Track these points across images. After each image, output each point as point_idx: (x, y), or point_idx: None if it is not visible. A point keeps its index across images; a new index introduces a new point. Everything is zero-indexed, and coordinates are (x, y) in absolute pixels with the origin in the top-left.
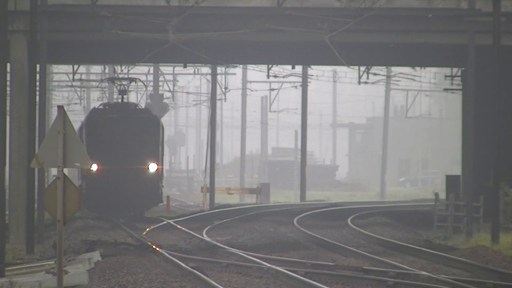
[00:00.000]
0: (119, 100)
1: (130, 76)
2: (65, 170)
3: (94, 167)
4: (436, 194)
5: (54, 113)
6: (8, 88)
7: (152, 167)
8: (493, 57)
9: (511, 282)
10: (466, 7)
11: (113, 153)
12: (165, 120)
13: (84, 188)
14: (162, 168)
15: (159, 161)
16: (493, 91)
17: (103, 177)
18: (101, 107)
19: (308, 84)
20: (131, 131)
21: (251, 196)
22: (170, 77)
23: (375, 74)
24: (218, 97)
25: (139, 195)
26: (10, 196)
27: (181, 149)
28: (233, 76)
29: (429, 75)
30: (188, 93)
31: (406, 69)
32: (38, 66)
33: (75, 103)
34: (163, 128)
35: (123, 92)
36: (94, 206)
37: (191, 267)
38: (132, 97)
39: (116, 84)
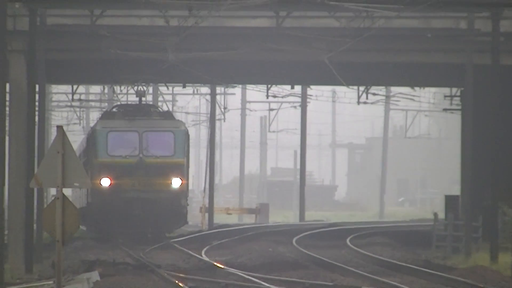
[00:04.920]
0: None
1: (129, 94)
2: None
3: (106, 182)
4: (435, 214)
5: (53, 133)
6: (7, 108)
7: (176, 182)
8: (492, 77)
9: None
10: (465, 27)
11: (129, 165)
12: None
13: (94, 206)
14: (187, 184)
15: (184, 175)
16: (492, 111)
17: (117, 194)
18: (114, 110)
19: (307, 104)
20: (151, 138)
21: (250, 216)
22: (169, 97)
23: (374, 94)
24: (217, 117)
25: (160, 215)
26: (9, 216)
27: None
28: (232, 96)
29: (428, 95)
30: (187, 113)
31: (405, 89)
32: (37, 86)
33: (74, 123)
34: (188, 135)
35: (141, 94)
36: (106, 227)
37: (189, 287)
38: None
39: (134, 86)
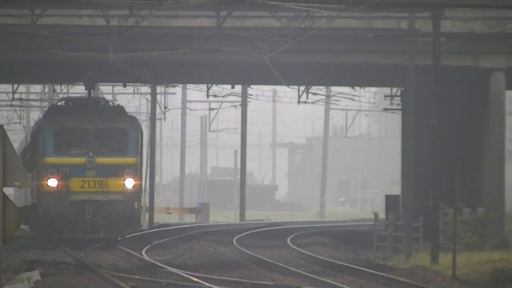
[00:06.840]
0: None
1: (70, 94)
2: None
3: (53, 182)
4: (376, 214)
5: None
6: None
7: (129, 183)
8: (432, 77)
9: None
10: (406, 28)
11: (78, 165)
12: None
13: (40, 208)
14: (141, 184)
15: (138, 174)
16: (432, 111)
17: (65, 196)
18: (62, 103)
19: (248, 103)
20: (102, 135)
21: (191, 216)
22: (109, 97)
23: (314, 94)
24: (157, 116)
25: (111, 218)
26: None
27: None
28: (172, 96)
29: (368, 95)
30: (127, 112)
31: (346, 89)
32: None
33: (15, 123)
34: (142, 131)
35: (91, 84)
36: (52, 231)
37: (130, 287)
38: None
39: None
